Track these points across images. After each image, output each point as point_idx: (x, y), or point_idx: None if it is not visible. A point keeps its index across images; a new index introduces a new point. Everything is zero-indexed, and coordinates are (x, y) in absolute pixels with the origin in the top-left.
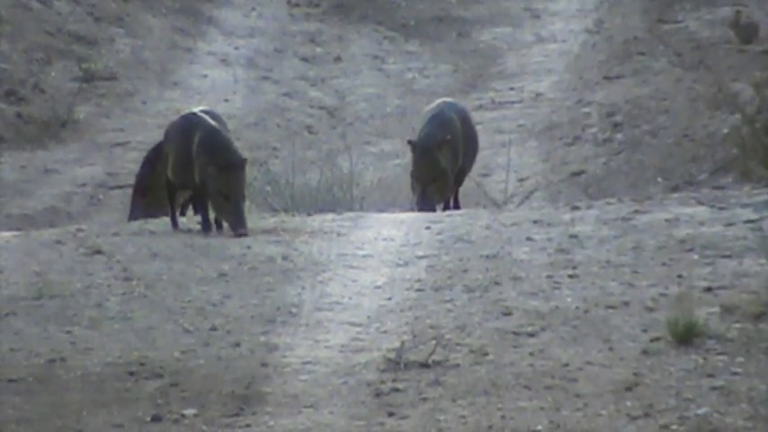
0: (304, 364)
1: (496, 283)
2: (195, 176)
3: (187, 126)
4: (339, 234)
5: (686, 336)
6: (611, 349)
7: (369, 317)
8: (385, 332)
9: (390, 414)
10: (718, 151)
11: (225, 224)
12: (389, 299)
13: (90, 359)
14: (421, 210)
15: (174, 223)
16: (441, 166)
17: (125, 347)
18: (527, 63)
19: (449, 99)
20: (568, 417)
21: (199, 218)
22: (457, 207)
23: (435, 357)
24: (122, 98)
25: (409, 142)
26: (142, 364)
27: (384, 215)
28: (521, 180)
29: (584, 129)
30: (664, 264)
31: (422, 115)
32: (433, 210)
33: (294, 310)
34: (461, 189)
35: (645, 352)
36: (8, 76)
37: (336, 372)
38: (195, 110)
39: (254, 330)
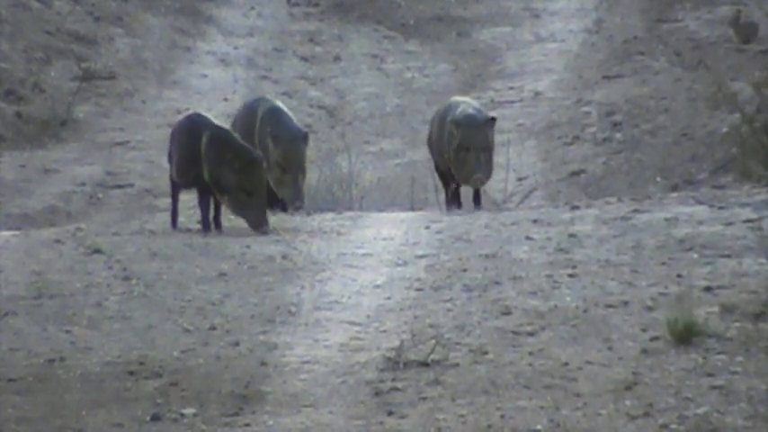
0: (303, 364)
1: (496, 283)
2: (204, 175)
3: (193, 126)
4: (339, 233)
5: (686, 335)
6: (610, 349)
7: (368, 316)
8: (384, 331)
9: (390, 413)
10: (717, 151)
11: (215, 224)
12: (389, 298)
13: (90, 359)
14: (476, 177)
15: (174, 222)
16: (489, 139)
17: (125, 347)
18: (527, 63)
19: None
20: (568, 416)
21: (198, 218)
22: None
23: (435, 357)
24: (122, 98)
25: (452, 121)
26: (142, 364)
27: (384, 215)
28: (520, 179)
29: (583, 128)
30: (663, 263)
31: (439, 111)
32: (487, 179)
33: (293, 309)
34: (462, 189)
35: (644, 351)
36: (8, 75)
37: (336, 371)
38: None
39: (253, 330)
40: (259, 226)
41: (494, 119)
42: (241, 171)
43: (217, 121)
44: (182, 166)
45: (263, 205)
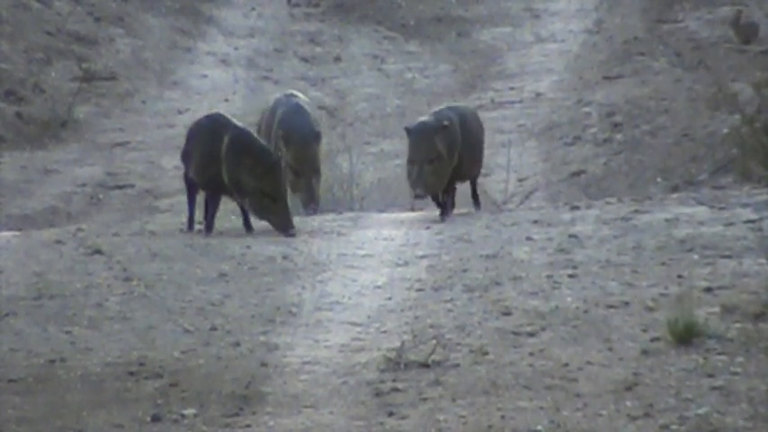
0: (304, 364)
1: (496, 283)
2: (222, 177)
3: (215, 126)
4: (339, 234)
5: (686, 336)
6: (611, 349)
7: (369, 317)
8: (385, 332)
9: (390, 414)
10: (717, 151)
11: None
12: (389, 299)
13: (90, 359)
14: (417, 193)
15: (191, 224)
16: (437, 149)
17: (125, 347)
18: (527, 63)
19: (453, 102)
20: (568, 417)
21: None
22: (452, 206)
23: (435, 357)
24: (122, 98)
25: (406, 128)
26: (142, 364)
27: (384, 215)
28: (521, 180)
29: (584, 129)
30: (664, 264)
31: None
32: (428, 193)
33: (294, 309)
34: (461, 188)
35: (645, 352)
36: (8, 76)
37: (336, 371)
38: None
39: (253, 330)
40: (285, 229)
41: (445, 126)
42: (262, 176)
43: (238, 122)
44: (200, 166)
45: (286, 208)
